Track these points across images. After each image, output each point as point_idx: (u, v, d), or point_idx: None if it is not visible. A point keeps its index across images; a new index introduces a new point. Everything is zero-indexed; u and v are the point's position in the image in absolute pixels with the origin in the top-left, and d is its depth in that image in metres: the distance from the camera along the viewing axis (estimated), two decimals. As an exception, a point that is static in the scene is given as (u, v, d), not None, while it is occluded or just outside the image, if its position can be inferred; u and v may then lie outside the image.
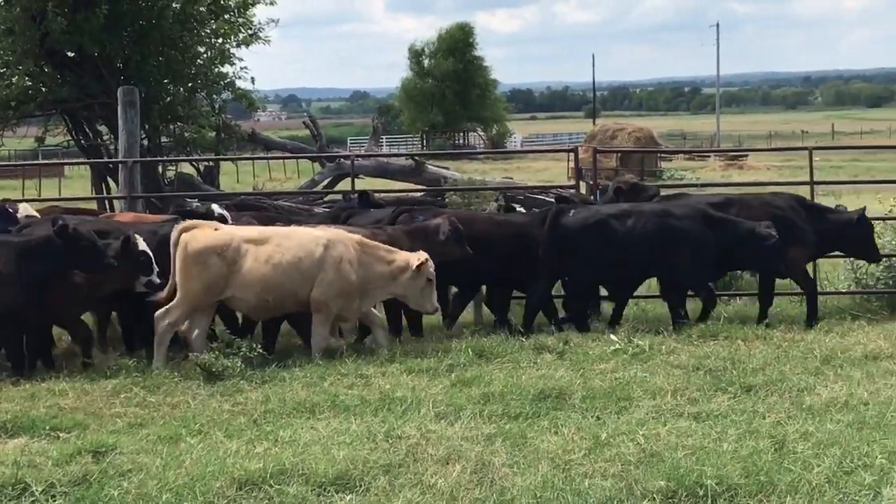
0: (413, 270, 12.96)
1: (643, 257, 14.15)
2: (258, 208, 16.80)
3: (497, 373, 11.56)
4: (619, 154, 54.53)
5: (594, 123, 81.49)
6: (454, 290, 15.09)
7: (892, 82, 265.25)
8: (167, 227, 13.44)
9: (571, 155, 19.16)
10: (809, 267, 15.50)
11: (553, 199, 17.01)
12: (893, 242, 16.46)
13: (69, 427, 9.92)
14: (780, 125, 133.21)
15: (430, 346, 12.94)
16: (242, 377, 11.65)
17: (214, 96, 32.34)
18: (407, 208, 15.38)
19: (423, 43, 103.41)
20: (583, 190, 18.69)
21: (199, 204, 18.44)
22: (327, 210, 18.23)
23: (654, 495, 7.80)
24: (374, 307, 13.62)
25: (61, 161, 43.99)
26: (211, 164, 31.68)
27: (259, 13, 40.59)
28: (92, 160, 29.40)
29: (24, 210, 15.70)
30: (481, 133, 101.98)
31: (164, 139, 31.05)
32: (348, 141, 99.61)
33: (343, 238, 13.02)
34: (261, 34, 31.77)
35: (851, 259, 16.20)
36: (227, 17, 31.56)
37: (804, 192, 17.07)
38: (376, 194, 16.93)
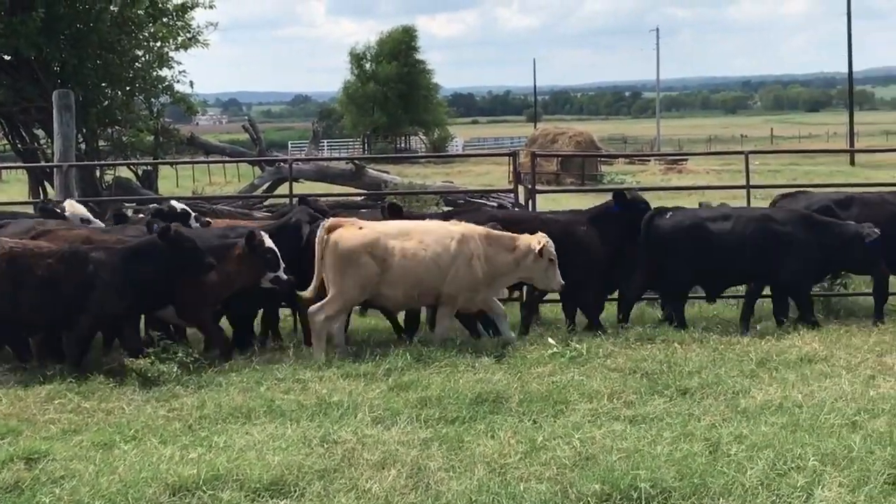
0: (535, 253, 13.30)
1: (742, 261, 14.28)
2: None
3: (435, 377, 11.53)
4: (560, 158, 54.77)
5: (535, 127, 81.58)
6: None
7: (831, 87, 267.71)
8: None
9: (512, 159, 19.15)
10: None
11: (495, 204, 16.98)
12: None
13: (2, 433, 9.80)
14: (719, 129, 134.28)
15: (368, 351, 12.90)
16: (178, 382, 11.56)
17: (153, 100, 32.23)
18: (457, 210, 15.56)
19: (364, 47, 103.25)
20: (521, 194, 18.70)
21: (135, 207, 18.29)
22: (268, 214, 18.17)
23: (589, 498, 7.82)
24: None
25: (-3, 165, 43.50)
26: (149, 168, 31.51)
27: (198, 17, 40.40)
28: (28, 164, 29.16)
29: (71, 207, 15.69)
30: (423, 137, 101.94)
31: (101, 143, 30.88)
32: (289, 145, 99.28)
33: (473, 232, 13.38)
34: (199, 38, 31.72)
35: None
36: (165, 20, 31.48)
37: (741, 195, 17.19)
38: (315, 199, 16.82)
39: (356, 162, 34.55)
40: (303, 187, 32.68)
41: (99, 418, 10.42)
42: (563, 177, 54.98)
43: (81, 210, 15.83)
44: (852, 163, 65.56)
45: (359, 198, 26.64)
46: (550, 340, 13.16)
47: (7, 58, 28.77)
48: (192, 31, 31.95)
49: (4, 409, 10.73)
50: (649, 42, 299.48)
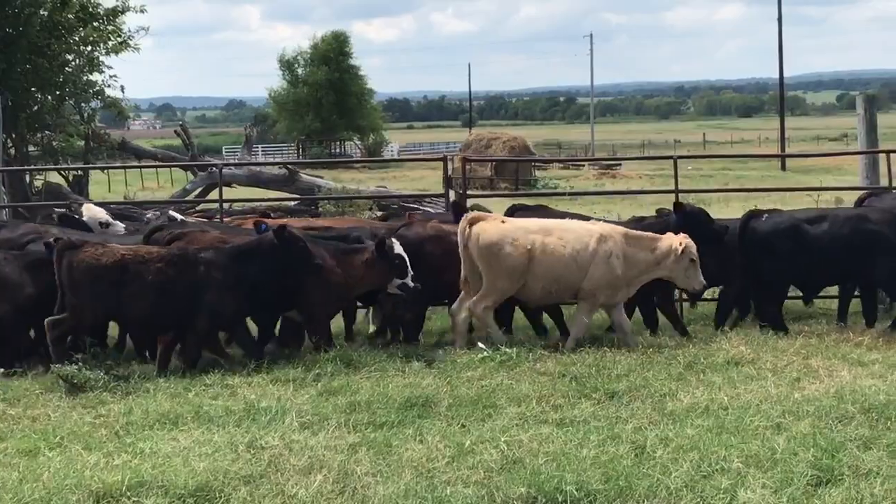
0: (677, 254, 13.50)
1: (839, 261, 14.32)
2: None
3: (364, 382, 11.53)
4: (494, 163, 54.88)
5: (470, 132, 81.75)
6: None
7: (763, 92, 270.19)
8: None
9: (443, 163, 19.14)
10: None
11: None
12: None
13: (-75, 441, 9.70)
14: (653, 134, 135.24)
15: (298, 356, 12.87)
16: (106, 389, 11.45)
17: (83, 105, 31.96)
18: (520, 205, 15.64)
19: (295, 52, 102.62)
20: (452, 198, 18.71)
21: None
22: (203, 220, 18.05)
23: (515, 502, 7.87)
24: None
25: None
26: (80, 172, 31.27)
27: (129, 21, 40.18)
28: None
29: (89, 211, 15.54)
30: (358, 142, 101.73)
31: (31, 148, 30.60)
32: (223, 150, 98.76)
33: (612, 232, 13.69)
34: (131, 42, 31.49)
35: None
36: (96, 24, 31.22)
37: (670, 199, 17.33)
38: (246, 203, 16.79)
39: (289, 167, 34.42)
40: (236, 192, 32.58)
41: (24, 425, 10.33)
42: (498, 181, 55.06)
43: (101, 213, 15.84)
44: (783, 167, 66.23)
45: (292, 203, 26.54)
46: (480, 345, 13.18)
47: (-65, 62, 28.44)
48: (123, 35, 31.76)
49: (-72, 416, 10.61)
50: (584, 47, 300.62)
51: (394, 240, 13.37)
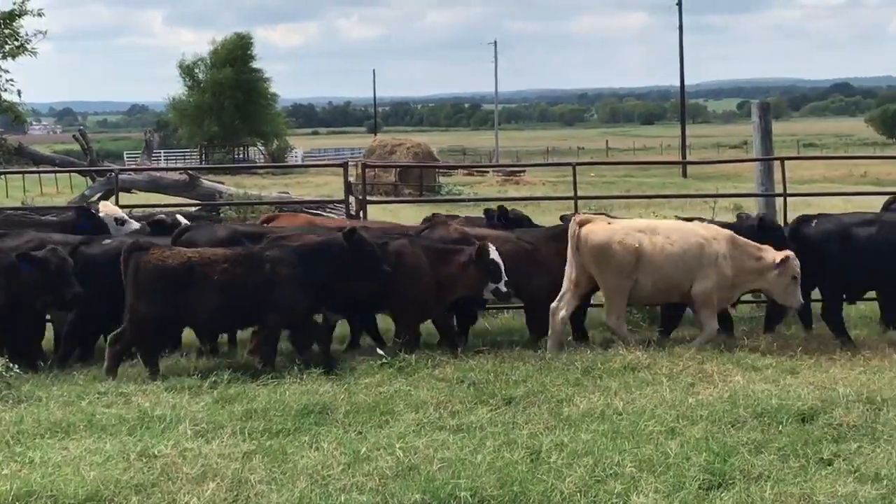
0: (779, 268, 13.51)
1: (888, 265, 14.22)
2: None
3: (261, 389, 11.45)
4: (399, 169, 54.90)
5: (375, 138, 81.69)
6: None
7: (665, 100, 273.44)
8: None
9: (343, 169, 19.09)
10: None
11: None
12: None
13: None
14: (557, 141, 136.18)
15: (193, 364, 12.77)
16: (-4, 397, 11.26)
17: (-22, 109, 31.49)
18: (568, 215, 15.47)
19: (194, 57, 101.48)
20: (352, 204, 18.68)
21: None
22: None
23: (410, 508, 7.85)
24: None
25: None
26: (-25, 178, 30.79)
27: (27, 24, 39.59)
28: None
29: (105, 209, 15.34)
30: (261, 148, 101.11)
31: (-75, 153, 30.09)
32: (125, 155, 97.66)
33: (718, 234, 13.81)
34: (28, 46, 31.09)
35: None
36: (-9, 28, 30.76)
37: (569, 206, 17.46)
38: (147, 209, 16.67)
39: (190, 172, 34.11)
40: (136, 198, 32.22)
41: (-89, 435, 10.11)
42: (402, 188, 55.11)
43: (116, 211, 15.74)
44: (685, 174, 66.94)
45: (193, 209, 26.29)
46: (380, 351, 13.16)
47: None
48: (20, 39, 31.37)
49: None
50: (489, 55, 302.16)
51: (490, 245, 13.43)
